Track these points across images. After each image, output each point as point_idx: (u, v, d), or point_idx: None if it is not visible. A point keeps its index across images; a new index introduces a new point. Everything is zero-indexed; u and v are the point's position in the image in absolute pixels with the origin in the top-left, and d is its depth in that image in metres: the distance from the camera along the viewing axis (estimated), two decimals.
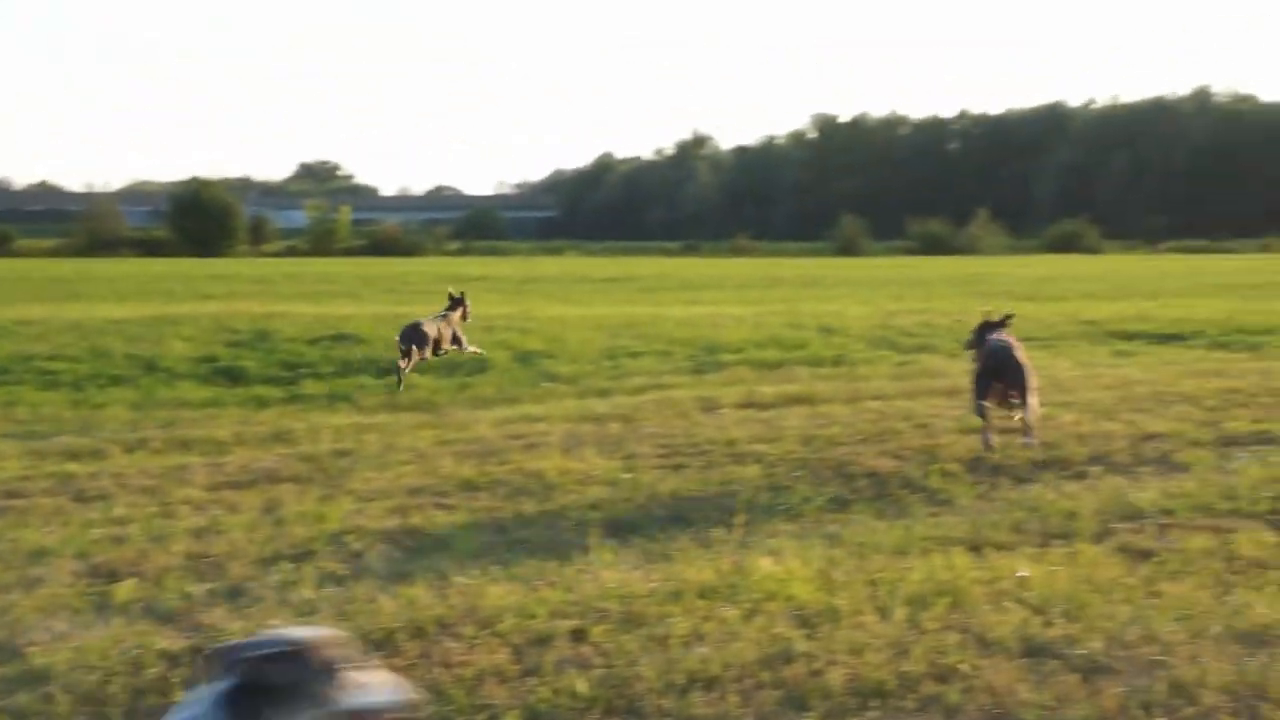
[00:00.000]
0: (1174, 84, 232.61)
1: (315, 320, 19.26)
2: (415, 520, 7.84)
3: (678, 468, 9.35)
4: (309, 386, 14.57)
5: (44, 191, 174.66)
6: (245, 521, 7.80)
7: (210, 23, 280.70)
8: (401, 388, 14.03)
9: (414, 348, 14.48)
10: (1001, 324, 10.51)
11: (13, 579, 6.58)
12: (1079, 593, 6.01)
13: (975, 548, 6.99)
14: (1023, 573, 6.34)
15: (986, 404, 9.74)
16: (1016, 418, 9.78)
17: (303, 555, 7.07)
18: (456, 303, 15.64)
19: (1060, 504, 7.86)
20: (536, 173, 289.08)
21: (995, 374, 9.79)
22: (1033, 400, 9.69)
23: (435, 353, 14.89)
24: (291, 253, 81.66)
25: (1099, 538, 7.13)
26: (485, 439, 10.70)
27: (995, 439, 9.66)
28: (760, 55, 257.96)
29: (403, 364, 14.37)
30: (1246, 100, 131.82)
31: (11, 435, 11.27)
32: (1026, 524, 7.47)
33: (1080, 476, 8.76)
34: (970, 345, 10.72)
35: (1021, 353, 9.86)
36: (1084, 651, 5.32)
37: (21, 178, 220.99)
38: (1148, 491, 8.07)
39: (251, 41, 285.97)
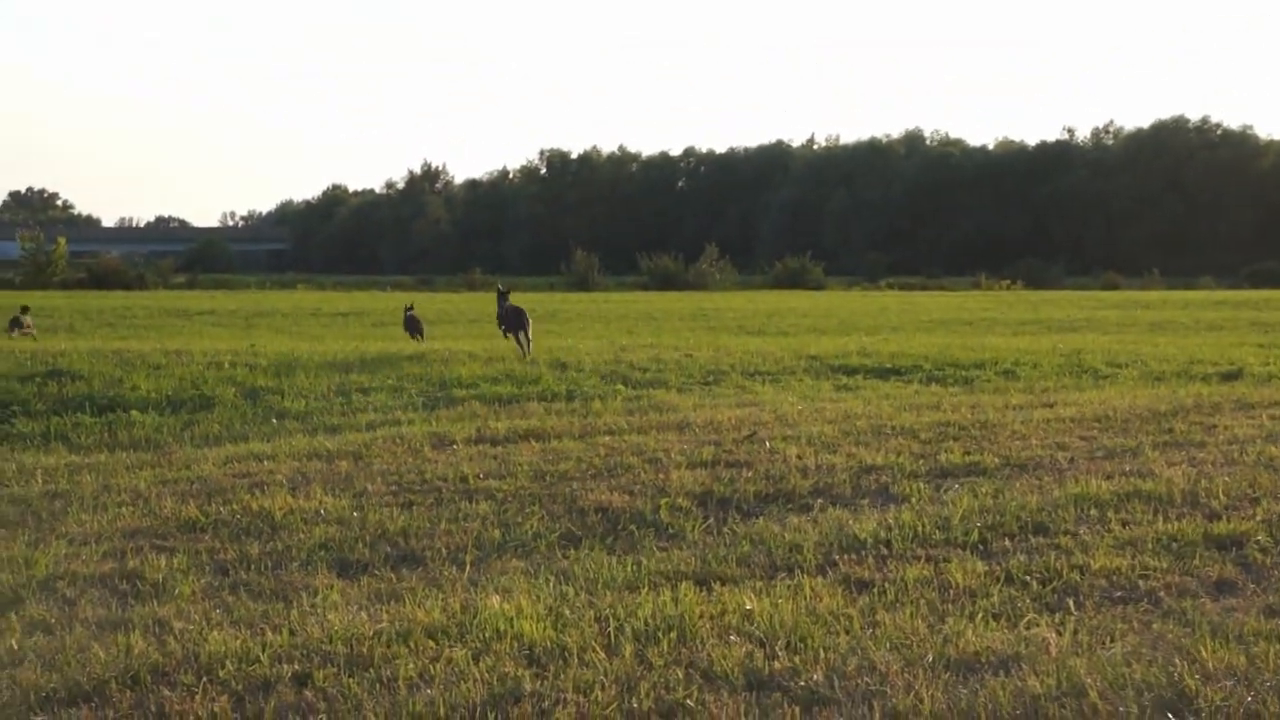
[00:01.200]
0: (887, 126, 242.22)
1: (28, 356, 18.43)
2: (133, 564, 7.55)
3: (408, 505, 9.23)
4: (21, 425, 13.96)
5: None
6: None
7: None
8: None
9: None
10: (506, 294, 20.45)
11: None
12: (802, 624, 6.14)
13: (703, 582, 7.08)
14: (748, 606, 6.45)
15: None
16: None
17: (9, 603, 6.74)
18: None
19: (785, 537, 8.02)
20: (265, 204, 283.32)
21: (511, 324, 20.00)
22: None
23: None
24: (4, 285, 78.07)
25: (821, 569, 7.31)
26: (209, 478, 10.39)
27: None
28: (492, 87, 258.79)
29: None
30: (955, 144, 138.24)
31: None
32: (752, 557, 7.60)
33: (804, 509, 8.96)
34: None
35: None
36: (805, 683, 5.42)
37: None
38: (867, 523, 8.30)
39: None
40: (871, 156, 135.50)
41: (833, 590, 6.85)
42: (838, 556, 7.55)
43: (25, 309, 29.12)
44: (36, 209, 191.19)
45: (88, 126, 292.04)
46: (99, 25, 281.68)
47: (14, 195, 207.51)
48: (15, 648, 5.94)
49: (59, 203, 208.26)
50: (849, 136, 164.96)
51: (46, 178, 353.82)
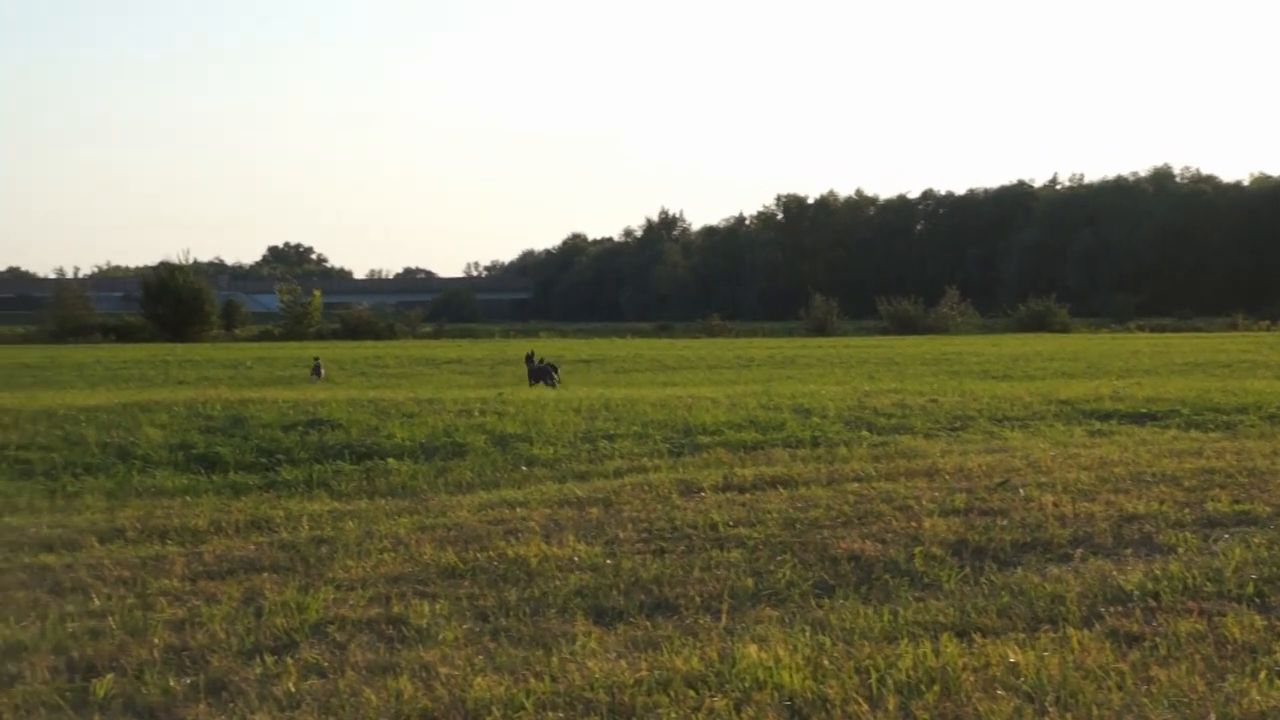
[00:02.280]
0: (1134, 164, 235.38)
1: (290, 406, 19.16)
2: (397, 609, 7.75)
3: (660, 552, 9.29)
4: (285, 473, 14.51)
5: (13, 278, 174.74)
6: (224, 613, 7.71)
7: (179, 107, 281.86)
8: None
9: None
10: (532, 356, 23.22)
11: None
12: (1070, 679, 5.97)
13: (963, 633, 6.95)
14: (1012, 659, 6.30)
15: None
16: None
17: (284, 647, 6.98)
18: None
19: (1046, 588, 7.82)
20: (507, 254, 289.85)
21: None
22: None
23: None
24: (265, 337, 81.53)
25: (1087, 622, 7.10)
26: (465, 524, 10.62)
27: None
28: (727, 134, 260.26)
29: None
30: (1207, 180, 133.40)
31: None
32: (1013, 608, 7.43)
33: (1064, 559, 8.73)
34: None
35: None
36: None
37: None
38: (1133, 574, 8.04)
39: (219, 126, 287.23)
40: (1118, 195, 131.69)
41: (1100, 644, 6.64)
42: (1103, 609, 7.32)
43: (317, 359, 34.64)
44: (293, 263, 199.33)
45: (338, 182, 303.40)
46: (346, 86, 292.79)
47: (272, 250, 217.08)
48: (293, 690, 6.15)
49: (313, 256, 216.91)
50: (1093, 175, 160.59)
51: (302, 233, 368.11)
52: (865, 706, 5.73)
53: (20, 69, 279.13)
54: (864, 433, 16.90)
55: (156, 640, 7.07)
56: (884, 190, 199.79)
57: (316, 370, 32.93)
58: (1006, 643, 6.69)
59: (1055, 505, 10.42)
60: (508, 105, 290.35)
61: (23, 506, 12.64)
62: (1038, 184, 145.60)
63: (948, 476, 12.30)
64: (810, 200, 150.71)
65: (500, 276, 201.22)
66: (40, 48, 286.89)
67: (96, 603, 8.03)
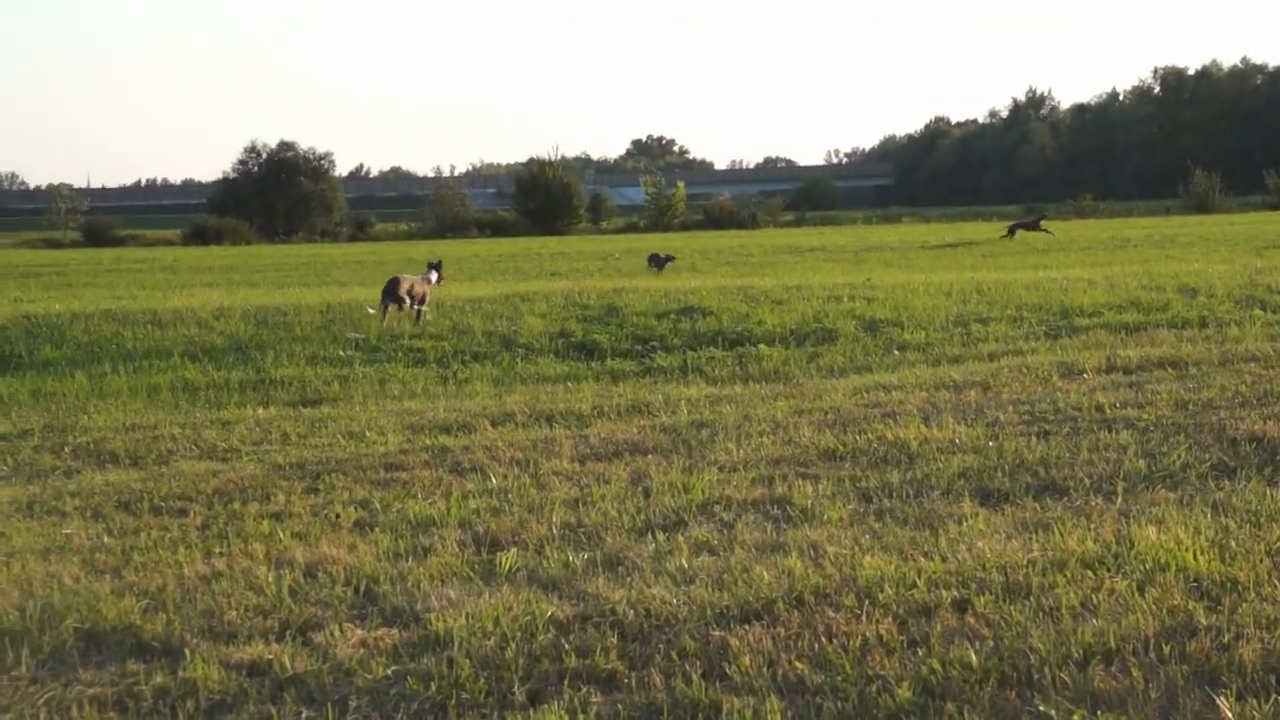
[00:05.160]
0: None
1: (661, 295, 19.51)
2: (780, 490, 7.81)
3: (1043, 434, 9.05)
4: (660, 359, 14.80)
5: (395, 178, 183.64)
6: (615, 492, 7.93)
7: (546, 15, 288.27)
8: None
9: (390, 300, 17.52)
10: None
11: (404, 547, 6.87)
12: None
13: None
14: None
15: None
16: None
17: (674, 525, 7.14)
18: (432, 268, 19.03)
19: None
20: (868, 140, 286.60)
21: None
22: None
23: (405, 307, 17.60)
24: (631, 229, 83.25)
25: None
26: (841, 408, 10.61)
27: None
28: (1099, 6, 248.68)
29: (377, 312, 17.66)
30: None
31: (391, 412, 11.78)
32: None
33: None
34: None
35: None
36: None
37: (376, 165, 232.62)
38: None
39: (581, 27, 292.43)
40: None
41: None
42: None
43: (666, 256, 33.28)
44: (655, 155, 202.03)
45: (698, 74, 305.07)
46: None
47: (635, 143, 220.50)
48: (685, 566, 6.28)
49: (675, 148, 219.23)
50: None
51: (665, 125, 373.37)
52: None
53: None
54: (1257, 311, 16.04)
55: (554, 517, 7.33)
56: (1273, 58, 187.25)
57: (658, 260, 32.21)
58: None
59: None
60: None
61: (419, 392, 13.33)
62: None
63: None
64: (1190, 71, 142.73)
65: (860, 163, 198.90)
66: None
67: (494, 482, 8.39)
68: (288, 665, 5.23)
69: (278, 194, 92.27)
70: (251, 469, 9.18)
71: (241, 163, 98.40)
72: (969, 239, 43.95)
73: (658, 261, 31.35)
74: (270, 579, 6.32)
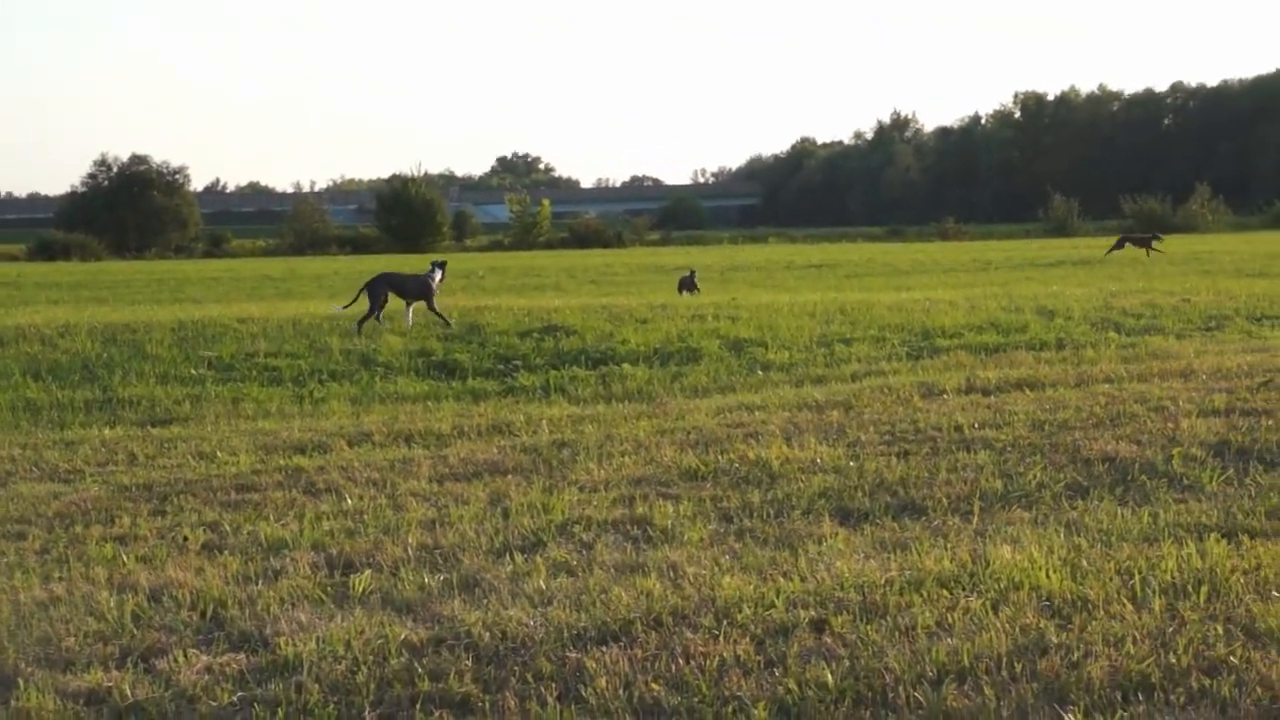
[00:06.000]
0: None
1: (524, 313, 19.40)
2: (641, 510, 7.75)
3: (904, 454, 9.12)
4: (523, 378, 14.69)
5: (254, 193, 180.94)
6: (473, 513, 7.82)
7: (409, 26, 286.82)
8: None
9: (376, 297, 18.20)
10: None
11: (254, 570, 6.70)
12: None
13: (1229, 535, 6.66)
14: None
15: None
16: None
17: (532, 546, 7.05)
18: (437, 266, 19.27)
19: None
20: (735, 160, 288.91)
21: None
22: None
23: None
24: (496, 247, 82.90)
25: None
26: (704, 428, 10.59)
27: None
28: (961, 31, 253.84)
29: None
30: None
31: (244, 432, 11.53)
32: None
33: None
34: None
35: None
36: None
37: (233, 180, 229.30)
38: None
39: (448, 39, 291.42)
40: None
41: None
42: None
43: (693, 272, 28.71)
44: (521, 173, 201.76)
45: (564, 91, 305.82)
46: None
47: (501, 161, 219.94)
48: (543, 587, 6.20)
49: (541, 166, 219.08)
50: None
51: (530, 143, 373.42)
52: (1130, 607, 5.52)
53: None
54: (1112, 334, 16.38)
55: (410, 539, 7.20)
56: (1129, 85, 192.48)
57: (688, 284, 27.21)
58: (1278, 544, 6.37)
59: None
60: (737, 5, 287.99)
61: (274, 411, 13.07)
62: None
63: (1204, 377, 11.83)
64: (1050, 97, 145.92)
65: (727, 182, 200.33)
66: None
67: (349, 503, 8.23)
68: (128, 693, 5.06)
69: (129, 209, 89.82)
70: (95, 490, 8.91)
71: (91, 176, 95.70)
72: (835, 259, 44.46)
73: (689, 284, 26.94)
74: (112, 604, 6.11)
